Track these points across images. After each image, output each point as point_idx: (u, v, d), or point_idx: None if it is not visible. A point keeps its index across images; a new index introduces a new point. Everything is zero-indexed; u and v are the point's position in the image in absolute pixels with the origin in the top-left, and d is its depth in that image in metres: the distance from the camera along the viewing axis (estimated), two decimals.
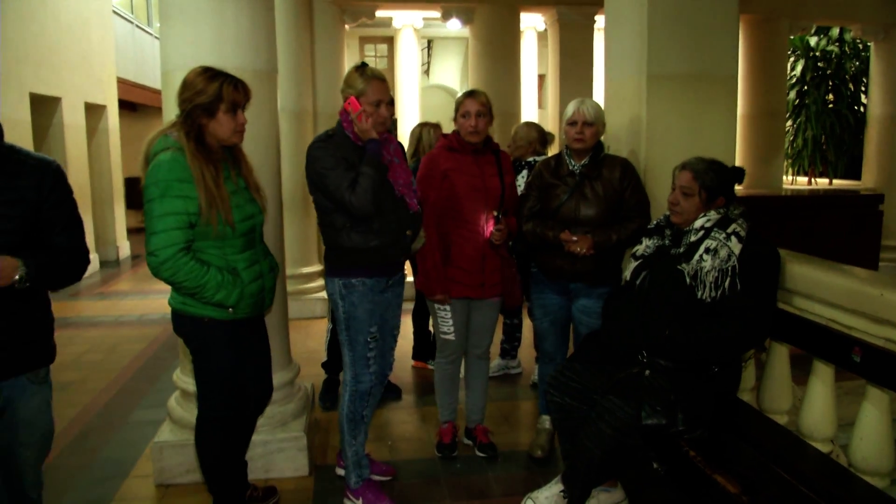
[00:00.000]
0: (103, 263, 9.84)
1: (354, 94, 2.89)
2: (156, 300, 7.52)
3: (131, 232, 11.77)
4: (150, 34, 13.40)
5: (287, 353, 3.63)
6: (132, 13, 12.54)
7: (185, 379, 3.44)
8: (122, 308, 7.34)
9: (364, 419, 3.12)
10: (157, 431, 3.47)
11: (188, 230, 2.45)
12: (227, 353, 2.67)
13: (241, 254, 2.61)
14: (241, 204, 2.60)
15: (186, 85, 2.53)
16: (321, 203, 2.97)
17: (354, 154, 2.90)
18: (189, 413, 3.39)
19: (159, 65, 3.47)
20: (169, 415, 3.51)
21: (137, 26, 12.75)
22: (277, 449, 3.35)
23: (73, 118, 8.92)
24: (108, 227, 10.29)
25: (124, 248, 10.67)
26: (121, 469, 3.54)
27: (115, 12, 11.03)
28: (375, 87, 2.90)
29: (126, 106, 12.41)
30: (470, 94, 3.35)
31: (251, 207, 2.66)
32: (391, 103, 2.96)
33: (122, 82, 11.02)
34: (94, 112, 9.82)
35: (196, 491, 3.26)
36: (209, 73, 2.53)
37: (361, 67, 2.95)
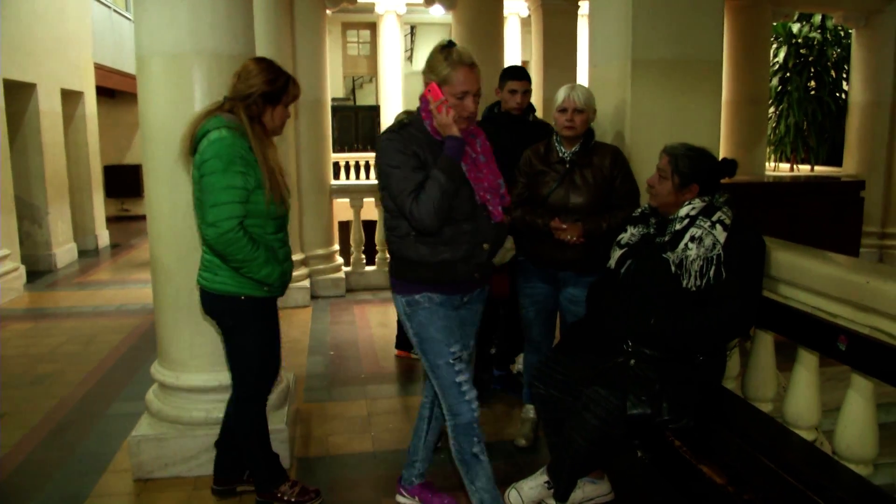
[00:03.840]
0: (81, 253, 9.68)
1: (437, 81, 2.47)
2: (135, 290, 7.41)
3: (111, 220, 11.63)
4: (129, 19, 13.16)
5: None
6: None
7: (163, 371, 3.38)
8: (100, 298, 7.23)
9: (477, 457, 2.66)
10: (136, 425, 3.41)
11: (245, 205, 2.59)
12: (263, 328, 2.84)
13: (275, 234, 2.77)
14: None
15: (252, 72, 2.67)
16: (387, 203, 2.60)
17: (430, 150, 2.51)
18: (168, 406, 3.34)
19: None
20: (147, 408, 3.45)
21: (115, 11, 12.53)
22: None
23: (48, 105, 8.75)
24: (87, 215, 10.14)
25: (103, 237, 10.53)
26: (98, 463, 3.48)
27: None
28: (463, 75, 2.45)
29: (104, 92, 12.22)
30: None
31: (286, 192, 2.80)
32: (479, 94, 2.51)
33: (99, 68, 10.83)
34: (70, 98, 9.64)
35: (175, 485, 3.21)
36: (276, 67, 2.73)
37: (447, 48, 2.50)
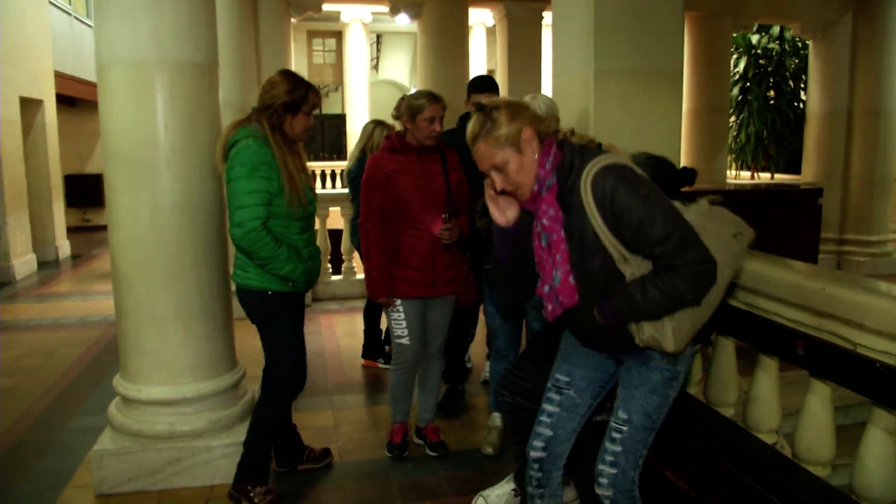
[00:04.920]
0: (41, 264, 9.47)
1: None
2: (98, 301, 7.28)
3: (72, 231, 11.41)
4: (90, 26, 12.97)
5: (231, 354, 3.54)
6: (70, 4, 12.12)
7: (125, 384, 3.33)
8: (61, 310, 7.09)
9: (532, 497, 2.41)
10: (98, 439, 3.35)
11: (267, 207, 2.83)
12: (290, 319, 3.05)
13: (301, 234, 2.99)
14: (305, 191, 2.96)
15: (275, 83, 2.90)
16: None
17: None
18: (130, 419, 3.28)
19: None
20: (109, 422, 3.39)
21: (76, 18, 12.33)
22: (223, 454, 3.26)
23: (7, 113, 8.57)
24: (47, 226, 9.92)
25: (64, 247, 10.32)
26: (59, 479, 3.40)
27: (51, 3, 10.64)
28: (478, 151, 2.06)
29: (64, 100, 12.01)
30: (435, 99, 3.30)
31: (311, 194, 3.03)
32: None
33: (59, 76, 10.65)
34: (29, 107, 9.45)
35: (138, 500, 3.16)
36: (297, 77, 2.95)
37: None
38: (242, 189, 2.79)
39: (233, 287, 3.37)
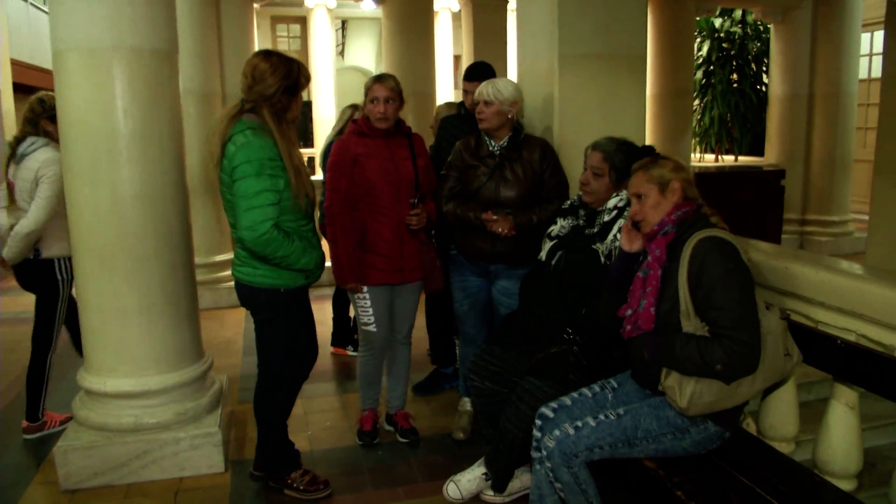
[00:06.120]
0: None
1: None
2: None
3: None
4: (47, 13, 12.66)
5: (198, 345, 3.49)
6: None
7: (89, 377, 3.27)
8: (22, 304, 6.90)
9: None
10: (62, 434, 3.29)
11: (277, 206, 2.66)
12: (297, 320, 2.98)
13: (308, 225, 2.88)
14: (311, 182, 2.86)
15: (265, 71, 2.68)
16: None
17: None
18: (95, 413, 3.23)
19: None
20: (74, 416, 3.33)
21: (32, 4, 12.02)
22: (191, 446, 3.23)
23: None
24: None
25: None
26: (23, 475, 3.35)
27: None
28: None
29: (22, 89, 11.71)
30: (378, 80, 3.28)
31: (310, 188, 2.87)
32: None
33: (16, 64, 10.39)
34: None
35: (105, 495, 3.12)
36: (282, 57, 2.75)
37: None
38: (251, 189, 2.60)
39: (199, 277, 3.34)
